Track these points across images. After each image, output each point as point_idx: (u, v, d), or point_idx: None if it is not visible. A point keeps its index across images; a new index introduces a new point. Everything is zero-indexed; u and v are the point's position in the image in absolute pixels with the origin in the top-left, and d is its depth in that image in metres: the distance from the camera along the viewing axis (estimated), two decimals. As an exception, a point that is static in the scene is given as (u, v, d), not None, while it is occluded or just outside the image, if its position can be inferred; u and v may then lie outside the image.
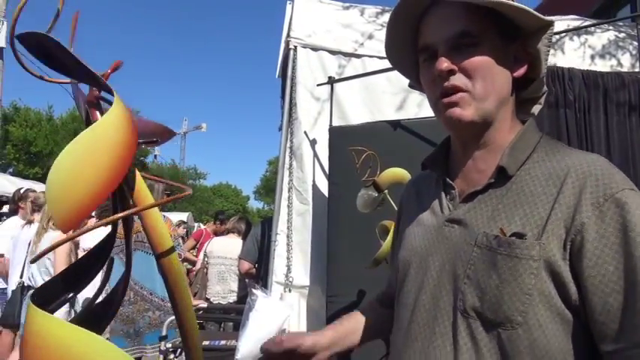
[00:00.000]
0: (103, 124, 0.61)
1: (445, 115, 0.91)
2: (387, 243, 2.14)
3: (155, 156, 40.36)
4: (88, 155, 0.59)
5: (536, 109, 1.02)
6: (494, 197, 0.90)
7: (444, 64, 0.88)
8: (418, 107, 3.20)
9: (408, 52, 1.01)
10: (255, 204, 48.34)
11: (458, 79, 0.89)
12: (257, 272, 3.79)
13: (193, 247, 6.98)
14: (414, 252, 1.00)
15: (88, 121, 0.67)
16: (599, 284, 0.77)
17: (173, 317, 3.23)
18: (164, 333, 3.10)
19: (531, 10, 0.88)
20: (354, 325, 1.23)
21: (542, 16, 0.90)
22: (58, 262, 4.03)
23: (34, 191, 5.01)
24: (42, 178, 20.06)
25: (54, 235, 4.04)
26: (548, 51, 0.94)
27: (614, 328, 0.77)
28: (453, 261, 0.90)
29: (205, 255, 5.62)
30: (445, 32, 0.90)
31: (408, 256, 1.01)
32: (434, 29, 0.92)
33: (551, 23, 0.91)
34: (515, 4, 0.87)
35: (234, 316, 3.47)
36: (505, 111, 0.94)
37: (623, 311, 0.76)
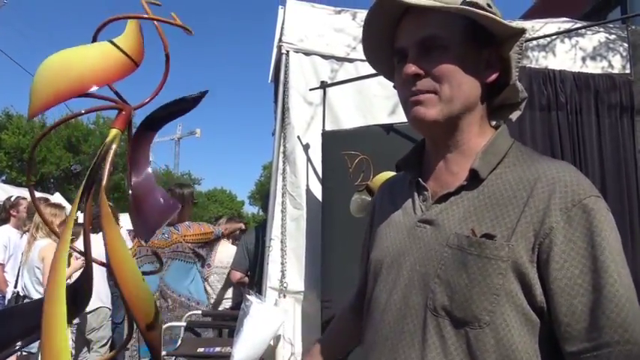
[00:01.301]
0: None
1: (410, 112, 0.94)
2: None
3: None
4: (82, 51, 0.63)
5: (514, 115, 1.03)
6: (465, 199, 0.92)
7: (411, 68, 0.91)
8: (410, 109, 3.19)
9: (388, 53, 1.03)
10: (250, 209, 48.26)
11: (424, 83, 0.92)
12: (250, 279, 3.77)
13: None
14: (386, 252, 1.01)
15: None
16: (564, 286, 0.81)
17: (169, 324, 3.22)
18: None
19: (499, 19, 0.90)
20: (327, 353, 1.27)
21: (511, 25, 0.92)
22: (47, 272, 4.00)
23: (25, 199, 4.97)
24: (35, 186, 19.97)
25: (43, 244, 4.01)
26: (520, 58, 0.96)
27: (578, 329, 0.80)
28: (425, 261, 0.92)
29: None
30: (415, 36, 0.93)
31: (380, 256, 1.03)
32: (406, 33, 0.95)
33: (522, 31, 0.93)
34: (483, 13, 0.89)
35: (229, 322, 3.45)
36: (473, 115, 0.96)
37: (587, 313, 0.79)
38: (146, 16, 0.65)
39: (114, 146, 0.65)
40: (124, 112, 0.65)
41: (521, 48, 0.95)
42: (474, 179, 0.92)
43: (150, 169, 0.81)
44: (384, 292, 0.98)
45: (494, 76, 0.95)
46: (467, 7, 0.88)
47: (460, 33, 0.92)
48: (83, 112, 0.65)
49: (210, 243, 3.72)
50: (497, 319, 0.82)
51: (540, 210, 0.83)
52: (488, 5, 0.93)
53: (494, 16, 0.90)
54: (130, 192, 0.74)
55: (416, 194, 1.01)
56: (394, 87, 1.13)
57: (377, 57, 1.06)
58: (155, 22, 0.67)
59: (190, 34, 0.70)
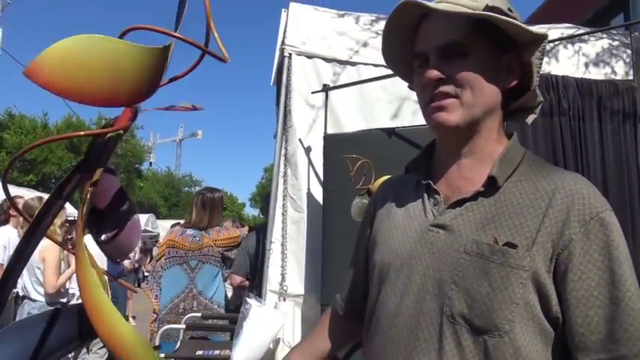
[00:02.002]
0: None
1: (432, 117, 0.94)
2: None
3: (150, 163, 40.30)
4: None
5: (530, 118, 1.04)
6: (482, 206, 0.91)
7: (433, 72, 0.92)
8: (413, 115, 3.19)
9: (406, 56, 1.03)
10: (250, 211, 48.27)
11: (447, 88, 0.92)
12: (251, 283, 3.76)
13: None
14: (394, 255, 0.99)
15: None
16: (581, 297, 0.82)
17: (168, 327, 3.21)
18: (157, 343, 3.06)
19: (522, 24, 0.90)
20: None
21: (532, 30, 0.91)
22: (48, 271, 3.99)
23: (22, 197, 4.96)
24: (36, 186, 19.99)
25: (43, 244, 4.00)
26: (541, 63, 0.96)
27: (593, 340, 0.81)
28: (439, 266, 0.90)
29: None
30: (436, 41, 0.93)
31: (387, 259, 1.00)
32: (426, 37, 0.95)
33: (543, 37, 0.93)
34: (505, 18, 0.89)
35: (228, 325, 3.44)
36: (493, 121, 0.96)
37: (603, 325, 0.80)
38: (174, 34, 0.58)
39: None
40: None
41: (543, 53, 0.95)
42: (491, 186, 0.91)
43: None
44: (392, 296, 0.96)
45: (514, 82, 0.96)
46: (489, 13, 0.88)
47: (481, 39, 0.92)
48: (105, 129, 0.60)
49: (237, 246, 3.79)
50: (516, 328, 0.82)
51: (559, 221, 0.84)
52: (510, 10, 0.93)
53: (515, 21, 0.90)
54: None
55: (426, 197, 0.99)
56: (410, 87, 1.13)
57: (396, 59, 1.07)
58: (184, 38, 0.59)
59: (224, 62, 0.63)
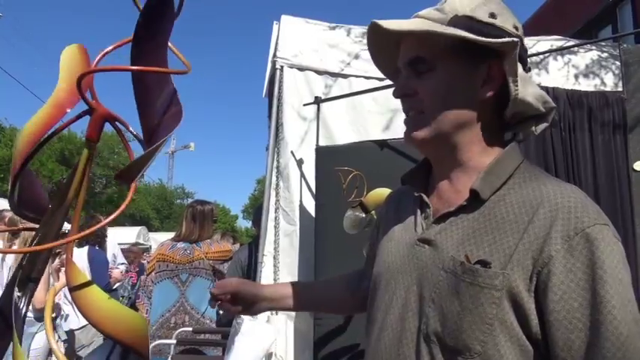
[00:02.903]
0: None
1: (404, 133, 0.98)
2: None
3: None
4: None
5: (540, 127, 0.98)
6: (465, 221, 0.88)
7: (398, 90, 0.96)
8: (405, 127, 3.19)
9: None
10: (243, 223, 48.09)
11: (412, 102, 0.94)
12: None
13: None
14: (386, 268, 0.99)
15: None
16: (562, 319, 0.77)
17: (158, 342, 3.17)
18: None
19: (481, 39, 0.86)
20: (298, 291, 1.31)
21: (496, 41, 0.87)
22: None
23: (10, 211, 4.90)
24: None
25: None
26: (515, 71, 0.89)
27: None
28: (421, 282, 0.89)
29: None
30: (404, 57, 0.96)
31: (380, 271, 1.01)
32: (400, 54, 0.97)
33: (512, 44, 0.87)
34: (462, 34, 0.85)
35: (220, 339, 3.40)
36: (471, 133, 0.93)
37: (584, 349, 0.76)
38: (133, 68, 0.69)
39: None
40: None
41: (518, 61, 0.89)
42: (475, 200, 0.88)
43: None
44: (380, 309, 0.96)
45: (491, 93, 0.91)
46: (443, 32, 0.87)
47: (447, 52, 0.90)
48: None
49: (228, 260, 3.76)
50: (489, 350, 0.79)
51: (540, 237, 0.79)
52: (492, 15, 0.90)
53: (466, 34, 0.86)
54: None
55: (419, 210, 0.98)
56: (394, 95, 1.12)
57: (387, 68, 1.09)
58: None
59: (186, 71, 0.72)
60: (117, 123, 0.73)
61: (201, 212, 3.68)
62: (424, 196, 0.98)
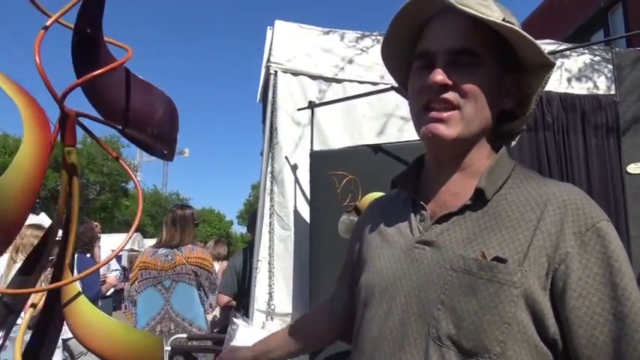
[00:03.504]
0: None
1: (427, 127, 0.88)
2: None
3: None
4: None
5: (513, 143, 1.01)
6: (469, 220, 0.86)
7: (439, 76, 0.85)
8: (399, 131, 3.20)
9: (405, 53, 0.97)
10: (238, 229, 47.99)
11: (451, 95, 0.86)
12: (238, 302, 3.70)
13: None
14: (380, 275, 0.94)
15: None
16: (584, 316, 0.75)
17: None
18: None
19: (539, 45, 0.85)
20: (280, 343, 1.27)
21: (547, 55, 0.87)
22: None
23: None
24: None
25: None
26: (541, 92, 0.92)
27: None
28: (425, 285, 0.85)
29: None
30: (448, 44, 0.87)
31: (372, 280, 0.95)
32: (437, 37, 0.88)
33: (552, 64, 0.88)
34: (527, 35, 0.84)
35: (216, 346, 3.37)
36: (484, 139, 0.93)
37: (610, 344, 0.74)
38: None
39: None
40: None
41: (546, 82, 0.91)
42: (479, 199, 0.86)
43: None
44: (376, 318, 0.91)
45: (512, 104, 0.92)
46: (513, 27, 0.83)
47: (493, 52, 0.87)
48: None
49: (205, 270, 3.61)
50: (508, 351, 0.76)
51: (553, 234, 0.78)
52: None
53: (535, 41, 0.85)
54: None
55: (412, 214, 0.95)
56: (395, 89, 1.09)
57: (394, 56, 1.00)
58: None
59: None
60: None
61: (181, 217, 3.59)
62: (418, 199, 0.95)
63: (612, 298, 0.75)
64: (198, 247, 3.69)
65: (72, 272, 0.74)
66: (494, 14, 0.84)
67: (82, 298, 0.63)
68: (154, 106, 0.71)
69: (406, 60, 0.97)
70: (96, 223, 5.41)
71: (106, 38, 0.76)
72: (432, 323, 0.82)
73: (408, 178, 1.02)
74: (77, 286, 0.65)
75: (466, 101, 0.86)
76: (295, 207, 3.28)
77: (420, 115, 0.90)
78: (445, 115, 0.86)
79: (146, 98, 0.74)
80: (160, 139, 0.83)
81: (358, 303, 1.00)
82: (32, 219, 7.36)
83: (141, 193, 0.80)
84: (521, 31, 0.83)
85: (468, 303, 0.79)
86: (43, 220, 7.54)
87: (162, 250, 3.52)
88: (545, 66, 0.88)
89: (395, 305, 0.88)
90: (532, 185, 0.87)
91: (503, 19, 0.84)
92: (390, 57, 1.01)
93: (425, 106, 0.88)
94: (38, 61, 0.65)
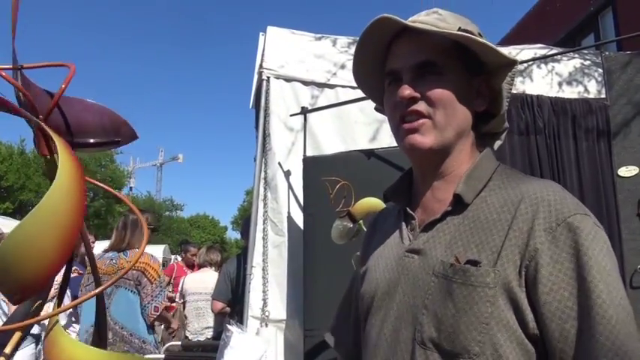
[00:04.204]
0: (55, 191, 0.58)
1: (405, 140, 0.92)
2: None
3: (131, 188, 39.92)
4: (43, 226, 0.54)
5: (496, 144, 1.03)
6: (451, 225, 0.89)
7: (407, 91, 0.90)
8: (391, 137, 3.16)
9: (376, 74, 1.02)
10: (233, 234, 47.89)
11: (420, 106, 0.90)
12: (232, 309, 3.68)
13: (168, 284, 6.79)
14: (377, 285, 0.98)
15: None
16: (555, 310, 0.77)
17: (148, 356, 3.11)
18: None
19: (496, 48, 0.90)
20: None
21: (506, 55, 0.91)
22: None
23: (2, 233, 4.83)
24: (13, 214, 19.57)
25: None
26: (511, 89, 0.96)
27: (572, 356, 0.75)
28: (413, 292, 0.89)
29: (182, 294, 5.45)
30: (410, 60, 0.92)
31: (370, 289, 1.00)
32: (400, 56, 0.94)
33: (514, 62, 0.92)
34: (482, 40, 0.89)
35: (209, 353, 3.36)
36: (464, 143, 0.95)
37: (580, 337, 0.75)
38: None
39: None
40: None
41: (512, 79, 0.95)
42: (459, 204, 0.90)
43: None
44: (375, 326, 0.95)
45: (484, 106, 0.95)
46: (467, 35, 0.88)
47: (454, 60, 0.91)
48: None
49: (148, 278, 3.31)
50: (487, 350, 0.78)
51: (524, 232, 0.80)
52: (480, 35, 0.93)
53: (491, 44, 0.89)
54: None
55: (404, 224, 0.99)
56: (376, 109, 1.12)
57: (366, 77, 1.05)
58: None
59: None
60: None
61: (133, 220, 3.42)
62: (408, 209, 0.99)
63: (580, 291, 0.76)
64: (147, 253, 3.43)
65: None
66: (450, 25, 0.90)
67: (59, 328, 0.61)
68: (84, 119, 0.73)
69: (379, 80, 1.02)
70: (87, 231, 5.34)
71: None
72: (417, 327, 0.85)
73: (399, 190, 1.06)
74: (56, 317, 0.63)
75: (435, 109, 0.90)
76: (289, 213, 3.28)
77: (398, 130, 0.95)
78: (416, 123, 0.91)
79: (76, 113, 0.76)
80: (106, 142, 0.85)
81: (362, 313, 1.04)
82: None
83: (146, 228, 0.80)
84: (475, 37, 0.88)
85: (446, 307, 0.82)
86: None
87: (109, 254, 3.37)
88: (509, 65, 0.93)
89: (389, 313, 0.92)
90: (512, 185, 0.89)
91: (459, 29, 0.89)
92: (363, 81, 1.07)
93: (400, 121, 0.93)
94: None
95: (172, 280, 7.18)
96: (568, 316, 0.76)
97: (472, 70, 0.93)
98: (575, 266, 0.77)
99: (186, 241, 8.21)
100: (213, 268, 5.30)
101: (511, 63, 0.92)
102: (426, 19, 0.92)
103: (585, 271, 0.76)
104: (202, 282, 5.05)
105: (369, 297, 0.99)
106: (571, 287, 0.76)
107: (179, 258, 10.62)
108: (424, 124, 0.90)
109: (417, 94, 0.90)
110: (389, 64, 0.96)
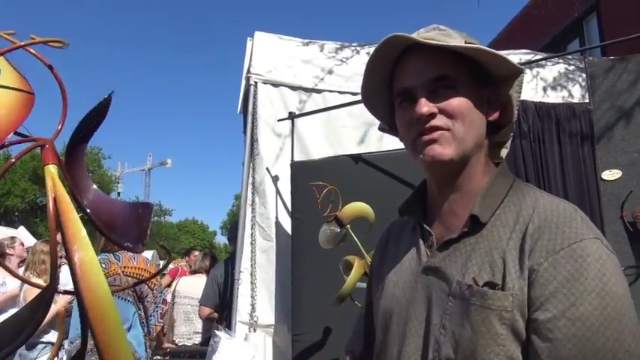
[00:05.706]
0: None
1: (425, 152, 0.90)
2: (350, 279, 2.11)
3: (119, 193, 39.59)
4: None
5: (503, 152, 1.03)
6: (467, 245, 0.89)
7: (425, 107, 0.88)
8: (379, 141, 3.22)
9: (382, 94, 1.01)
10: (222, 239, 47.64)
11: (439, 120, 0.89)
12: (220, 314, 3.67)
13: (169, 285, 6.70)
14: (395, 301, 0.98)
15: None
16: (544, 330, 0.77)
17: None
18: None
19: (506, 58, 0.90)
20: None
21: (515, 64, 0.92)
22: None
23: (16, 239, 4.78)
24: (-2, 220, 19.32)
25: (27, 285, 3.84)
26: (519, 97, 0.96)
27: None
28: (431, 310, 0.89)
29: (173, 295, 5.40)
30: (423, 76, 0.91)
31: (389, 305, 1.00)
32: (412, 73, 0.93)
33: (522, 70, 0.93)
34: (492, 50, 0.89)
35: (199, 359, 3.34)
36: (480, 154, 0.95)
37: None
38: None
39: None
40: (47, 146, 0.66)
41: (520, 87, 0.95)
42: (476, 224, 0.89)
43: (94, 186, 0.81)
44: (395, 344, 0.95)
45: (496, 115, 0.95)
46: (478, 47, 0.89)
47: (466, 73, 0.92)
48: (13, 160, 0.68)
49: (147, 284, 3.13)
50: None
51: (526, 252, 0.80)
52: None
53: (502, 54, 0.90)
54: (90, 214, 0.74)
55: (421, 240, 0.98)
56: (380, 128, 1.12)
57: (373, 99, 1.04)
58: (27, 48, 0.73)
59: (63, 45, 0.75)
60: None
61: None
62: (425, 225, 0.98)
63: (572, 318, 0.75)
64: (140, 256, 3.15)
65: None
66: (455, 40, 0.91)
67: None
68: (115, 220, 0.76)
69: (385, 97, 1.01)
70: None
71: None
72: (435, 347, 0.86)
73: (413, 204, 1.05)
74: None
75: (454, 122, 0.89)
76: (277, 218, 3.29)
77: (415, 145, 0.93)
78: (436, 134, 0.89)
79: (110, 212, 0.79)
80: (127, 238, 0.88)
81: (377, 325, 1.05)
82: (11, 232, 7.24)
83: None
84: (483, 48, 0.89)
85: (464, 328, 0.82)
86: (22, 233, 7.41)
87: (99, 257, 2.94)
88: (515, 74, 0.94)
89: (410, 330, 0.93)
90: (525, 202, 0.89)
91: (465, 42, 0.90)
92: (370, 98, 1.05)
93: (417, 135, 0.92)
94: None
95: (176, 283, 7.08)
96: (555, 337, 0.75)
97: (481, 80, 0.93)
98: (569, 293, 0.76)
99: (190, 249, 8.20)
100: (206, 274, 5.26)
101: (518, 72, 0.93)
102: (432, 35, 0.92)
103: (579, 300, 0.75)
104: (194, 287, 5.00)
105: (388, 313, 1.00)
106: (561, 313, 0.76)
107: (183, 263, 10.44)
108: (443, 135, 0.89)
109: (435, 110, 0.89)
110: (399, 83, 0.95)
